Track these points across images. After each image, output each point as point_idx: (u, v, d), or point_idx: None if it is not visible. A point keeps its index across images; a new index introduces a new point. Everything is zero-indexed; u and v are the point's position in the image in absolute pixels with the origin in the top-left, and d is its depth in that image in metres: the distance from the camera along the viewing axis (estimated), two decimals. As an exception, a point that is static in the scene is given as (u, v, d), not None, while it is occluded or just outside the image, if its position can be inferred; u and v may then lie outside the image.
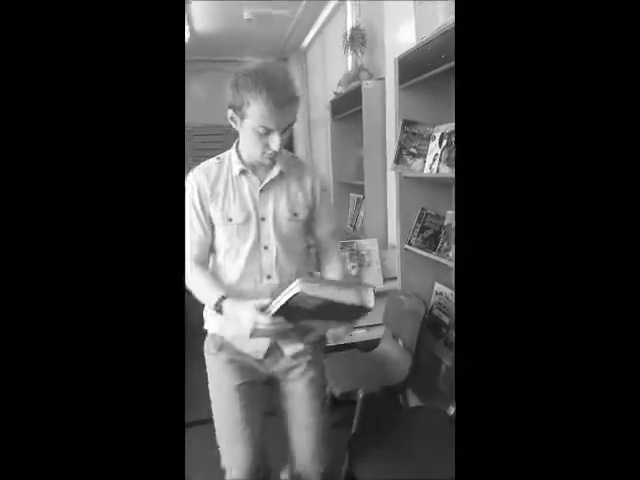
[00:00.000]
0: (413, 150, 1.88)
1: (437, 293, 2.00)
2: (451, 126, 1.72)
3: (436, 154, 1.77)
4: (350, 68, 2.93)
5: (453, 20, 1.41)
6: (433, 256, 1.84)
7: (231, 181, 1.14)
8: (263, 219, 1.14)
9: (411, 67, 1.77)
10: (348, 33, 2.88)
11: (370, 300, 0.98)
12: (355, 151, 2.95)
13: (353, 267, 2.22)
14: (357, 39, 2.81)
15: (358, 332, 2.31)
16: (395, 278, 2.17)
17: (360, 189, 2.75)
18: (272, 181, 1.14)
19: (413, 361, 1.74)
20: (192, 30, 3.83)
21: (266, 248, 1.15)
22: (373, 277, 2.25)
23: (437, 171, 1.73)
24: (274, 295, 1.01)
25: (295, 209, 1.17)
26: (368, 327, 2.32)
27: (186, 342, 0.93)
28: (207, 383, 1.21)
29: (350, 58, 2.93)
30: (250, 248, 1.14)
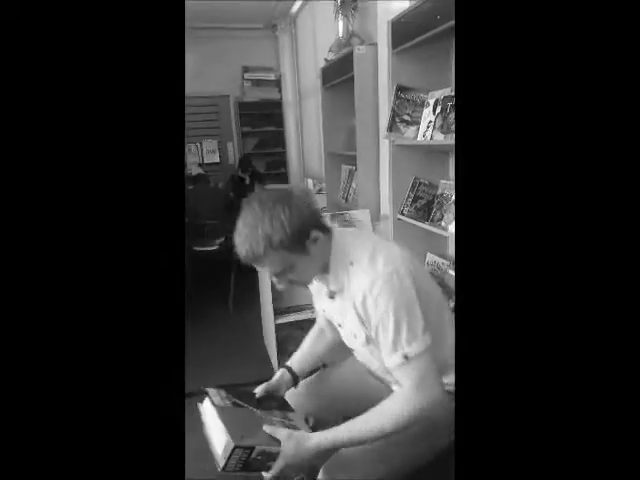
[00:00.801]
0: (406, 117, 1.83)
1: (429, 263, 2.00)
2: (446, 92, 1.68)
3: (430, 121, 1.73)
4: (341, 34, 2.83)
5: (449, -22, 1.35)
6: (426, 226, 1.83)
7: None
8: (340, 325, 1.09)
9: (405, 30, 1.70)
10: (339, -3, 2.77)
11: (219, 461, 0.87)
12: (347, 120, 2.89)
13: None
14: (348, 3, 2.71)
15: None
16: (388, 249, 2.16)
17: (352, 160, 2.70)
18: (334, 292, 1.03)
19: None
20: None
21: (353, 350, 1.13)
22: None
23: (431, 138, 1.69)
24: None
25: (353, 329, 1.01)
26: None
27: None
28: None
29: (341, 24, 2.83)
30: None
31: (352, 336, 1.02)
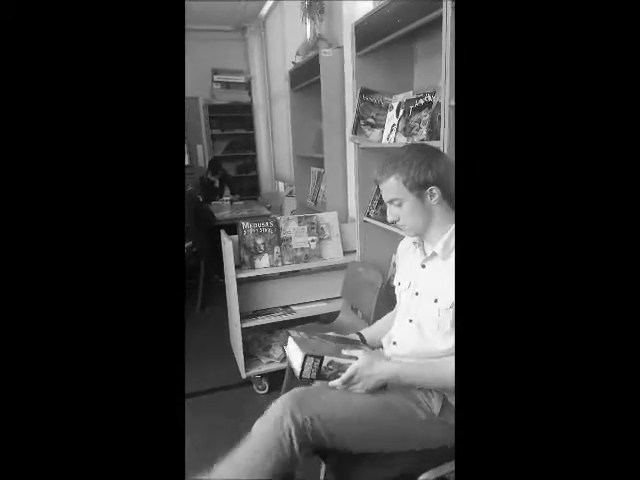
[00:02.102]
0: (371, 120, 1.85)
1: (395, 264, 2.01)
2: (408, 95, 1.70)
3: (393, 124, 1.75)
4: (308, 37, 2.84)
5: (408, -18, 1.37)
6: (391, 228, 1.84)
7: (411, 248, 1.19)
8: (417, 294, 1.12)
9: (368, 33, 1.72)
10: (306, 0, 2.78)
11: (297, 372, 1.03)
12: (315, 123, 2.89)
13: (312, 241, 2.20)
14: (315, 6, 2.73)
15: (320, 305, 2.32)
16: (355, 251, 2.17)
17: (321, 162, 2.71)
18: (430, 258, 1.10)
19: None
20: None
21: (410, 321, 1.13)
22: (333, 250, 2.23)
23: (394, 141, 1.71)
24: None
25: (437, 294, 1.05)
26: (328, 300, 2.34)
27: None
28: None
29: (308, 27, 2.84)
30: (400, 316, 1.18)
31: (432, 301, 1.06)
